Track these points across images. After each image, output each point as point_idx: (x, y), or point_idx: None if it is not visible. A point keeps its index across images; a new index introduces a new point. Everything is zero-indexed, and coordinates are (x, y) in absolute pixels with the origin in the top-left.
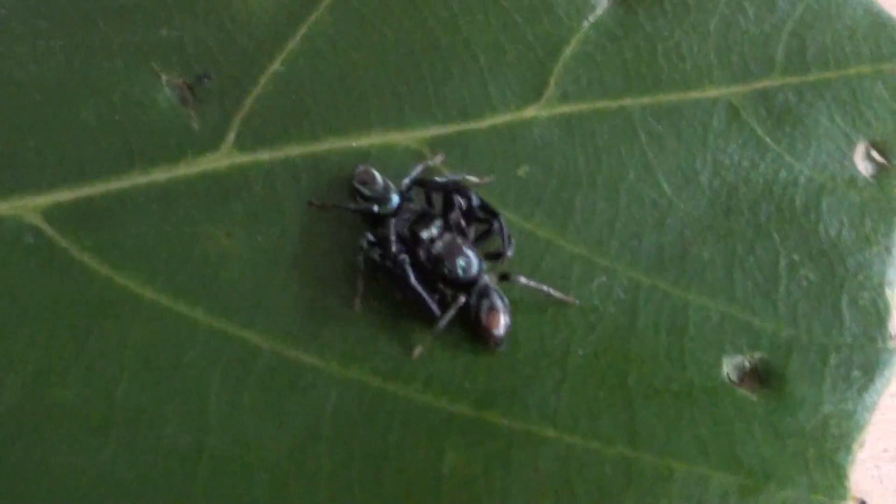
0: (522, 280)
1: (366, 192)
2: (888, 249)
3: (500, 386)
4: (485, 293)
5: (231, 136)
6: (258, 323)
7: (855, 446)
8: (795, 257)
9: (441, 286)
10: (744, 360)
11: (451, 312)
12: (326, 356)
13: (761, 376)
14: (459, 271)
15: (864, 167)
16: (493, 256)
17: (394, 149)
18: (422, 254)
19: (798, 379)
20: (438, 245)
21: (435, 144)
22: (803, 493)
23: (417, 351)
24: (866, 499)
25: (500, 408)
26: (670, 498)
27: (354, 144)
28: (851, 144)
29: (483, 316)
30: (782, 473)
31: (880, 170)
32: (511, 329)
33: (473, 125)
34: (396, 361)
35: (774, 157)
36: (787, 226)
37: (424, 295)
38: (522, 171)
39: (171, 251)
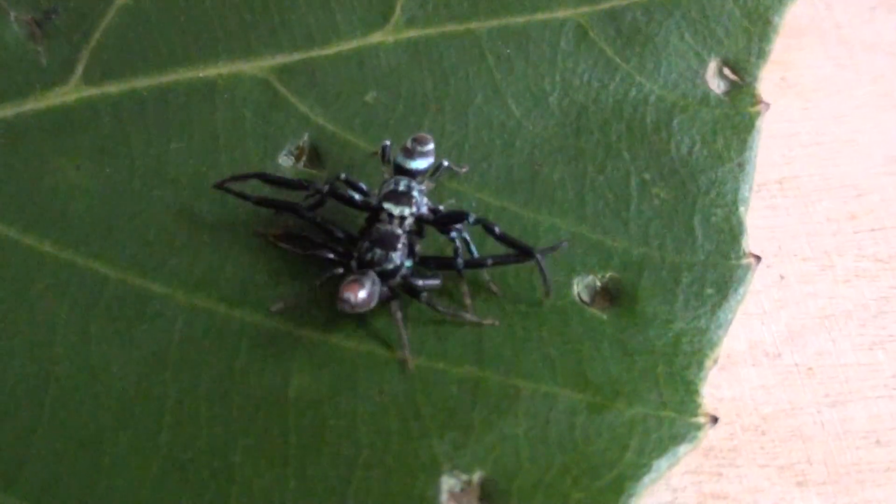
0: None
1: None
2: (741, 166)
3: None
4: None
5: (79, 70)
6: (106, 254)
7: (707, 363)
8: (647, 176)
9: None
10: (595, 280)
11: (325, 276)
12: (173, 284)
13: (612, 295)
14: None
15: (716, 85)
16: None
17: (241, 77)
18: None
19: (649, 297)
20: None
21: (282, 72)
22: (652, 409)
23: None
24: (809, 445)
25: (346, 331)
26: (517, 415)
27: (201, 75)
28: (703, 63)
29: (343, 283)
30: (631, 390)
31: (732, 87)
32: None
33: (320, 52)
34: (243, 288)
35: (624, 77)
36: (638, 145)
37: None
38: (370, 96)
39: (20, 185)
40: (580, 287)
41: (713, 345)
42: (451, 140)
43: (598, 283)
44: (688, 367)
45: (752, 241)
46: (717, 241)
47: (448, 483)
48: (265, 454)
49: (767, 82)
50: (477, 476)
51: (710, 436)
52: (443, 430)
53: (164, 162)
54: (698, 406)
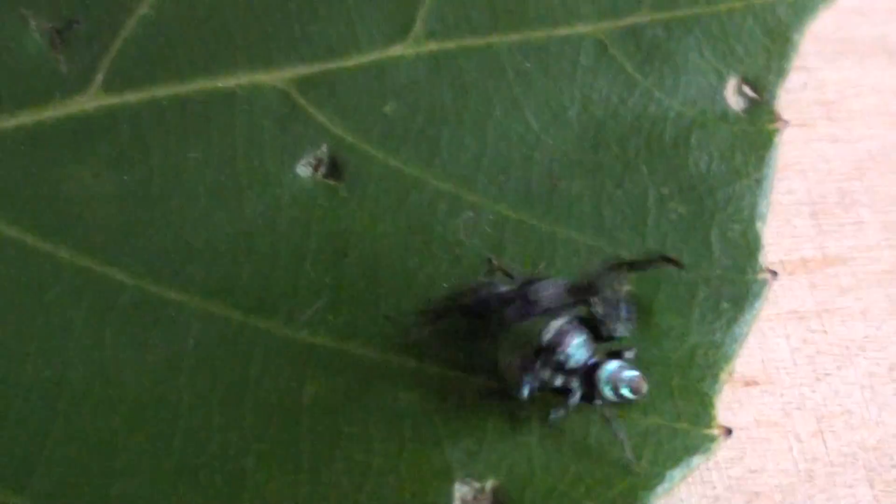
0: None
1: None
2: (759, 182)
3: (363, 318)
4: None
5: (99, 79)
6: (122, 260)
7: (722, 376)
8: (665, 191)
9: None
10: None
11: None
12: (189, 291)
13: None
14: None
15: (735, 102)
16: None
17: (260, 88)
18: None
19: (665, 310)
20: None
21: (301, 84)
22: (668, 420)
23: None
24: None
25: (361, 339)
26: (531, 424)
27: (220, 85)
28: (722, 79)
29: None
30: (646, 401)
31: (751, 104)
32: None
33: (340, 64)
34: (259, 296)
35: (643, 93)
36: (657, 160)
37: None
38: (389, 108)
39: (38, 192)
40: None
41: (728, 358)
42: (470, 153)
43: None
44: (702, 379)
45: None
46: (733, 256)
47: (460, 491)
48: (278, 460)
49: None
50: (490, 484)
51: None
52: (456, 438)
53: (182, 171)
54: (712, 418)
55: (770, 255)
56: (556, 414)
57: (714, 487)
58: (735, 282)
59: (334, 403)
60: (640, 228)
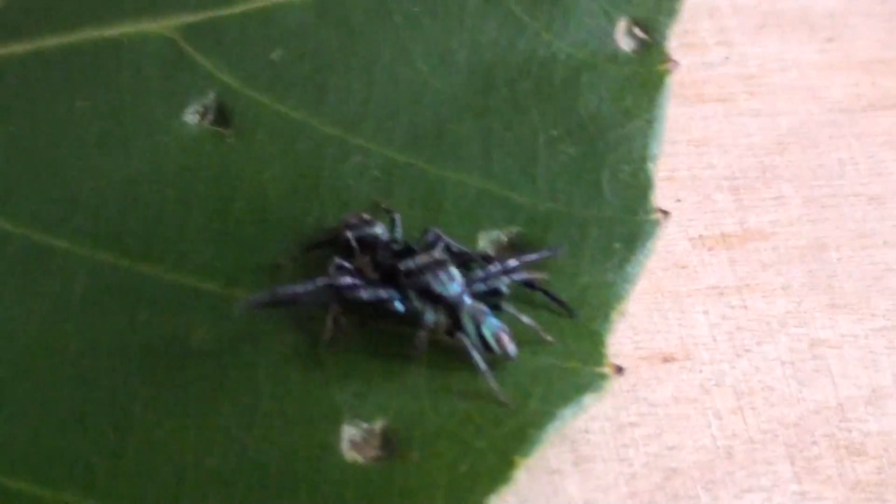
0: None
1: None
2: (650, 123)
3: (250, 264)
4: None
5: None
6: (8, 210)
7: (613, 315)
8: (554, 133)
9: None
10: (500, 235)
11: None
12: (76, 240)
13: (518, 249)
14: (438, 287)
15: (625, 43)
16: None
17: (146, 36)
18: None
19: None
20: (418, 260)
21: (187, 31)
22: (558, 360)
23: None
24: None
25: (249, 284)
26: (419, 365)
27: (107, 34)
28: (612, 21)
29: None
30: (536, 340)
31: (642, 46)
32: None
33: (226, 11)
34: (146, 243)
35: (532, 35)
36: (546, 102)
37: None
38: (276, 55)
39: None
40: (485, 241)
41: (620, 298)
42: (358, 98)
43: (504, 238)
44: (594, 318)
45: None
46: (625, 197)
47: (349, 432)
48: (165, 405)
49: None
50: (378, 425)
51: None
52: (344, 381)
53: (69, 121)
54: (603, 357)
55: (690, 229)
56: (419, 337)
57: (631, 464)
58: (626, 222)
59: (221, 348)
60: (530, 171)
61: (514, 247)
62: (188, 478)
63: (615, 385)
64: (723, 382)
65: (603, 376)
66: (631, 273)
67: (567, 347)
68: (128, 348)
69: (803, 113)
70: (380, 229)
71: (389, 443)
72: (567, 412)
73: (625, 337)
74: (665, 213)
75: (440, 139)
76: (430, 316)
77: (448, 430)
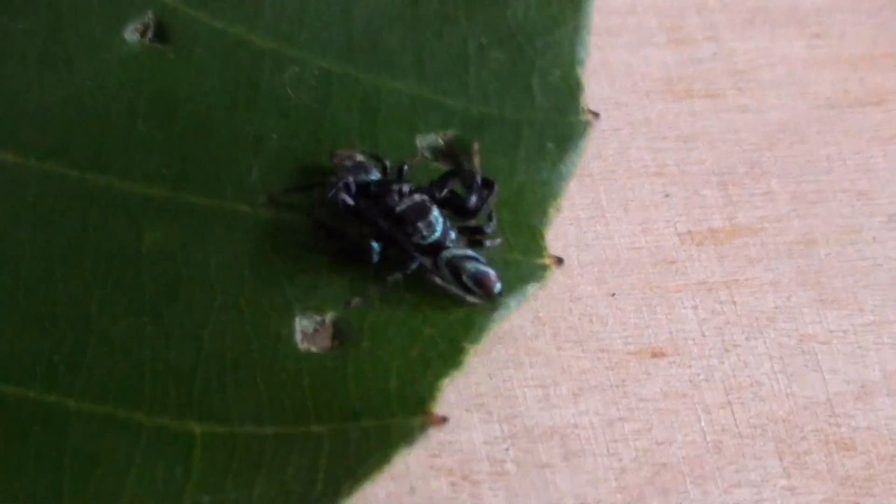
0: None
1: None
2: (577, 30)
3: (196, 169)
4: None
5: None
6: None
7: (550, 210)
8: (484, 41)
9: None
10: (436, 138)
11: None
12: (25, 154)
13: (455, 153)
14: (423, 233)
15: None
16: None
17: None
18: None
19: (491, 153)
20: (403, 205)
21: None
22: (501, 252)
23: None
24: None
25: (195, 188)
26: None
27: None
28: None
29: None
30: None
31: None
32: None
33: None
34: (93, 154)
35: None
36: (475, 11)
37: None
38: None
39: None
40: (422, 145)
41: (555, 195)
42: (291, 10)
43: (440, 141)
44: (531, 213)
45: None
46: (555, 99)
47: (301, 324)
48: (121, 304)
49: None
50: (329, 316)
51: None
52: (294, 276)
53: (10, 41)
54: (543, 248)
55: (678, 225)
56: (394, 277)
57: (620, 459)
58: (557, 123)
59: (172, 249)
60: (461, 76)
61: (451, 150)
62: (147, 371)
63: (604, 380)
64: (712, 378)
65: (544, 267)
66: (564, 171)
67: (508, 241)
68: (81, 253)
69: (791, 109)
70: (374, 174)
71: (341, 333)
72: (511, 301)
73: (614, 332)
74: (595, 114)
75: (373, 49)
76: (416, 261)
77: (397, 319)
